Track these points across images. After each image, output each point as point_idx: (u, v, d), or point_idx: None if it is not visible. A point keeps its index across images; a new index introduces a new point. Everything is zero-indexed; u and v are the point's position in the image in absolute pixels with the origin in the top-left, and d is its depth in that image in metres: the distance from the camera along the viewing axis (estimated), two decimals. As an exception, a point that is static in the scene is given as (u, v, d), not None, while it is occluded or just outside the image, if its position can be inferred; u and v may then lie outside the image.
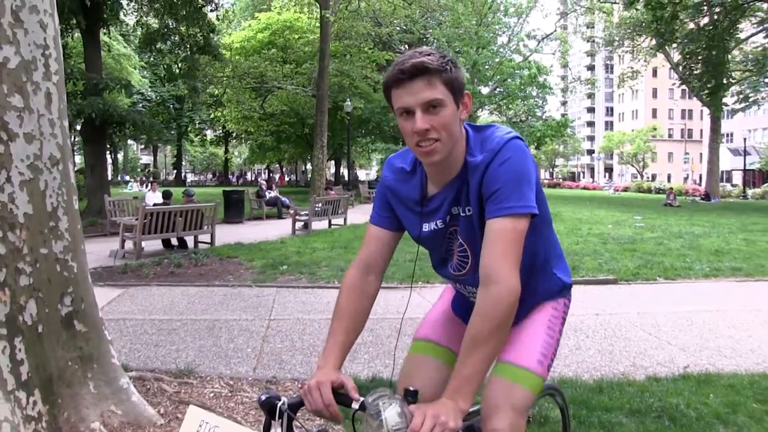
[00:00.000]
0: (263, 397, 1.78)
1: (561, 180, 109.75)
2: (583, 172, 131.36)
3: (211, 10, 27.42)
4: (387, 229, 2.30)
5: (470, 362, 1.79)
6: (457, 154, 2.03)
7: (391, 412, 1.64)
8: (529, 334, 2.29)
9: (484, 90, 29.63)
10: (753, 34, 43.65)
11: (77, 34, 24.13)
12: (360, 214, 24.08)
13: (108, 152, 38.55)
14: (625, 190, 71.53)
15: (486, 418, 2.11)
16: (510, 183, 1.91)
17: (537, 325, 2.33)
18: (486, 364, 1.82)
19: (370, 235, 2.32)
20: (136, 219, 13.18)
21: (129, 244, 13.21)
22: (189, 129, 75.70)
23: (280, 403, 1.75)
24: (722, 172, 59.70)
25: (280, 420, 1.75)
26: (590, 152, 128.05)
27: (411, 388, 1.78)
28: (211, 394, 4.86)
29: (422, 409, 1.67)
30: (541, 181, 2.18)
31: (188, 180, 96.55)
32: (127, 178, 68.17)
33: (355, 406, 1.72)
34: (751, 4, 37.70)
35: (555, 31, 40.79)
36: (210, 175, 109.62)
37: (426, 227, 2.20)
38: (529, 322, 2.32)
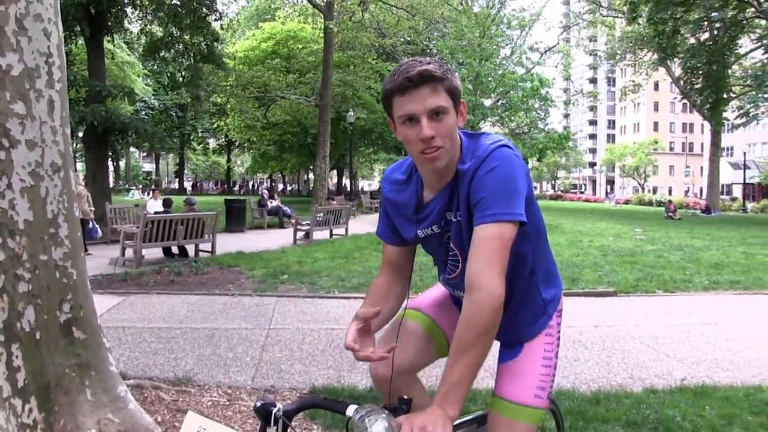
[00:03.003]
0: (258, 404, 1.79)
1: (561, 192, 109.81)
2: (585, 185, 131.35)
3: (215, 20, 27.46)
4: (395, 245, 2.36)
5: (457, 369, 1.79)
6: (452, 160, 2.04)
7: (378, 428, 1.63)
8: (525, 368, 2.31)
9: (487, 102, 29.57)
10: (752, 50, 43.73)
11: (81, 42, 24.14)
12: (362, 224, 24.08)
13: (110, 160, 38.53)
14: (627, 202, 71.49)
15: None
16: (496, 191, 1.92)
17: (533, 357, 2.33)
18: (473, 370, 1.81)
19: (384, 250, 2.40)
20: (137, 227, 13.19)
21: (129, 252, 13.22)
22: (192, 137, 75.80)
23: (275, 410, 1.75)
24: (722, 185, 59.73)
25: (275, 427, 1.76)
26: (592, 165, 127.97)
27: (405, 397, 1.79)
28: (209, 403, 4.86)
29: (410, 421, 1.66)
30: (534, 192, 2.19)
31: (201, 187, 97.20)
32: (132, 188, 68.13)
33: (350, 413, 1.72)
34: (750, 20, 37.90)
35: (558, 44, 40.89)
36: (212, 184, 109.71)
37: (421, 233, 2.22)
38: (524, 354, 2.33)
